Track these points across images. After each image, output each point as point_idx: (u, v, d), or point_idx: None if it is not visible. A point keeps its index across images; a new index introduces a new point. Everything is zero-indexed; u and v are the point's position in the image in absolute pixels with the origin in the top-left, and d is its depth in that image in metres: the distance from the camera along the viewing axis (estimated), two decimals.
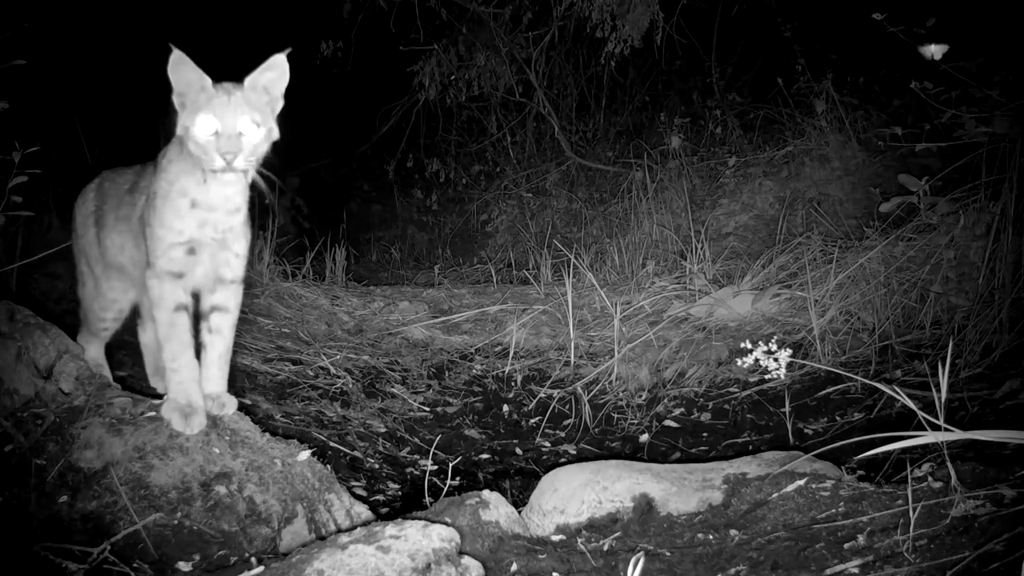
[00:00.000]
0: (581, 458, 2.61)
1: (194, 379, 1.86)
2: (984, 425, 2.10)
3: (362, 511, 1.91)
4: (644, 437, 2.80)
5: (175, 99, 1.73)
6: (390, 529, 1.45)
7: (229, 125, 1.68)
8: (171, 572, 1.57)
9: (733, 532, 1.58)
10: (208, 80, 1.71)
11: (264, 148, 1.78)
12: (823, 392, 2.76)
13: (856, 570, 1.33)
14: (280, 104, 1.80)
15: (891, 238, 3.32)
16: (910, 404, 1.46)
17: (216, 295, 1.90)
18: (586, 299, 4.16)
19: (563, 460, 2.67)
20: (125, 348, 2.58)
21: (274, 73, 1.75)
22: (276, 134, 1.79)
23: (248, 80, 1.74)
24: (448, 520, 1.59)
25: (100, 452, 1.77)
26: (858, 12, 3.75)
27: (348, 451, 2.56)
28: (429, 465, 2.55)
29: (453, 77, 6.63)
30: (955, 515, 1.40)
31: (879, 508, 1.50)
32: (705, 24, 6.09)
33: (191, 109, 1.70)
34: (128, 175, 2.04)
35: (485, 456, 2.74)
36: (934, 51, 3.30)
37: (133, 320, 2.27)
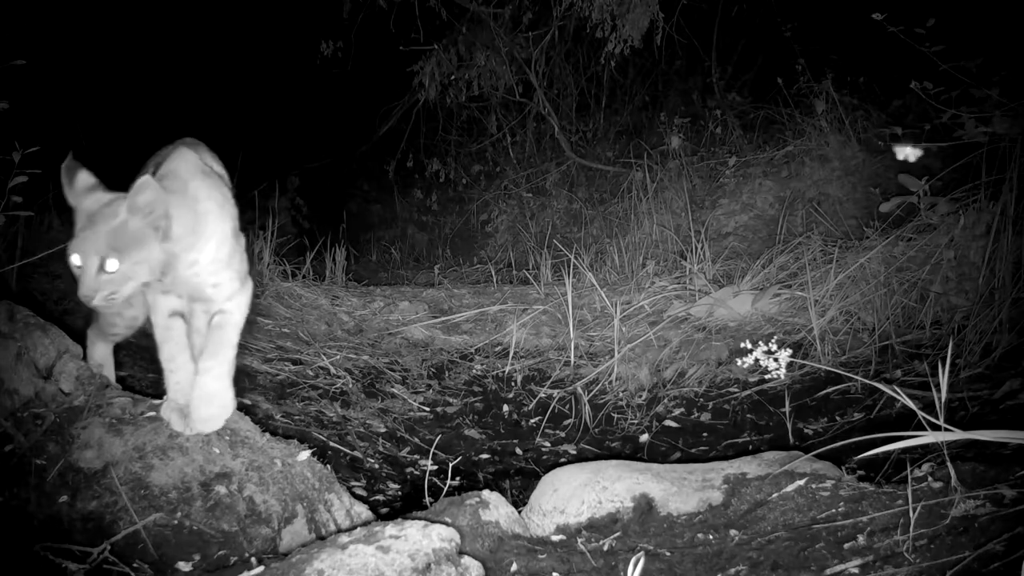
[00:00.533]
0: (581, 458, 2.61)
1: (192, 380, 1.86)
2: (984, 425, 2.10)
3: (362, 511, 1.91)
4: (644, 437, 2.80)
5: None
6: (390, 529, 1.45)
7: (90, 264, 1.56)
8: (171, 572, 1.57)
9: (733, 532, 1.58)
10: (85, 201, 1.60)
11: (143, 276, 1.62)
12: (823, 392, 2.76)
13: (856, 570, 1.33)
14: (167, 220, 1.64)
15: (891, 238, 3.32)
16: (910, 404, 1.46)
17: (215, 304, 1.87)
18: (586, 299, 4.16)
19: (563, 460, 2.67)
20: (125, 348, 2.58)
21: (148, 194, 1.59)
22: (158, 255, 1.63)
23: (122, 208, 1.59)
24: (448, 520, 1.59)
25: (100, 452, 1.77)
26: (858, 12, 3.75)
27: (348, 451, 2.56)
28: (429, 465, 2.55)
29: (453, 77, 6.63)
30: (955, 515, 1.40)
31: (879, 508, 1.50)
32: (705, 24, 6.10)
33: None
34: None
35: (485, 456, 2.74)
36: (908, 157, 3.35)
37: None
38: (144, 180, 1.58)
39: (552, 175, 6.86)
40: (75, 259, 1.58)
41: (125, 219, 1.58)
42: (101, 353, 2.19)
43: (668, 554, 1.54)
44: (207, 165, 1.86)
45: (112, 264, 1.57)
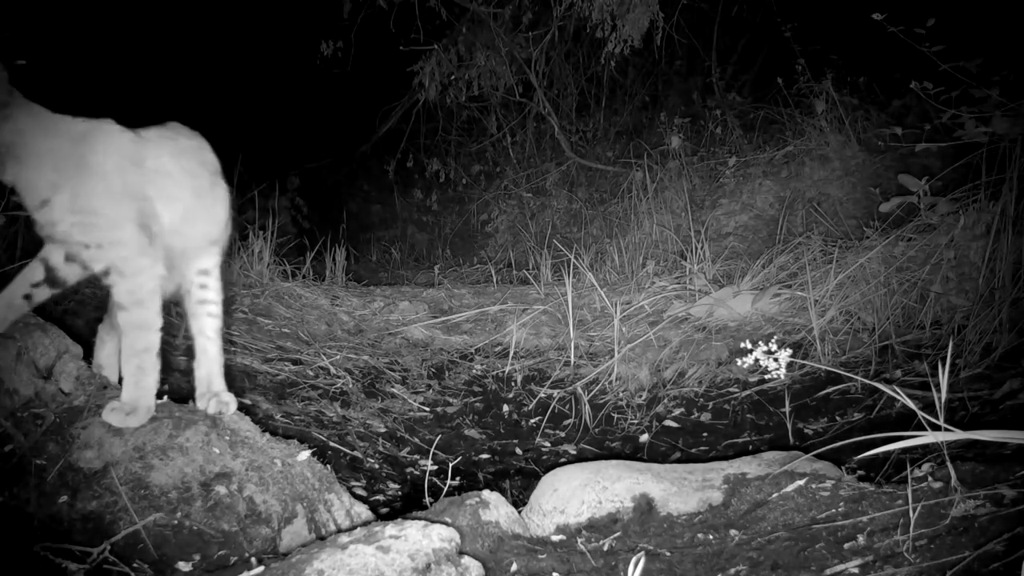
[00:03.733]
0: (581, 458, 2.61)
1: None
2: (984, 425, 2.10)
3: (362, 511, 1.91)
4: (644, 437, 2.80)
5: None
6: (390, 529, 1.45)
7: None
8: (171, 572, 1.57)
9: (733, 532, 1.58)
10: None
11: None
12: (823, 392, 2.76)
13: (856, 570, 1.33)
14: None
15: (891, 238, 3.32)
16: (910, 404, 1.46)
17: (97, 266, 1.83)
18: (586, 299, 4.16)
19: (563, 460, 2.67)
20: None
21: None
22: None
23: None
24: (448, 520, 1.59)
25: (100, 452, 1.77)
26: (858, 12, 3.75)
27: (348, 451, 2.56)
28: (429, 465, 2.55)
29: (453, 77, 6.63)
30: (955, 515, 1.40)
31: (879, 508, 1.50)
32: (705, 24, 6.10)
33: None
34: None
35: (485, 456, 2.74)
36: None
37: None
38: None
39: (552, 175, 6.86)
40: None
41: None
42: (108, 351, 2.18)
43: (668, 554, 1.54)
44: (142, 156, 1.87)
45: None
